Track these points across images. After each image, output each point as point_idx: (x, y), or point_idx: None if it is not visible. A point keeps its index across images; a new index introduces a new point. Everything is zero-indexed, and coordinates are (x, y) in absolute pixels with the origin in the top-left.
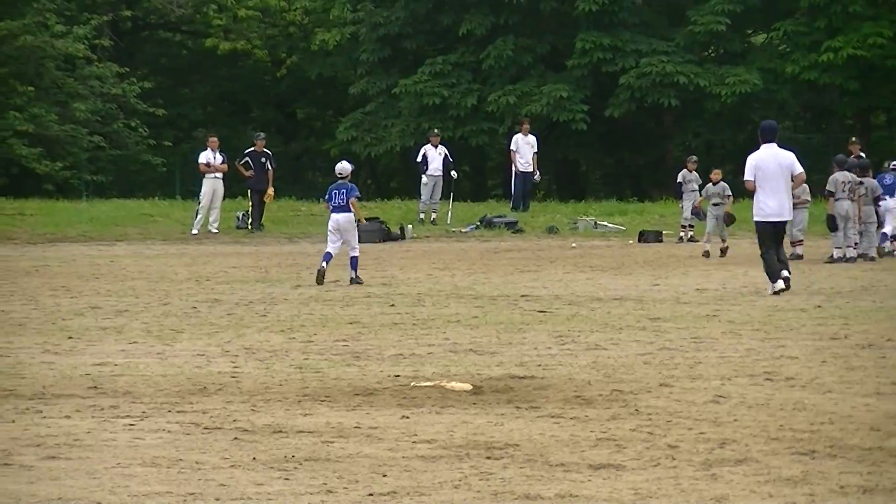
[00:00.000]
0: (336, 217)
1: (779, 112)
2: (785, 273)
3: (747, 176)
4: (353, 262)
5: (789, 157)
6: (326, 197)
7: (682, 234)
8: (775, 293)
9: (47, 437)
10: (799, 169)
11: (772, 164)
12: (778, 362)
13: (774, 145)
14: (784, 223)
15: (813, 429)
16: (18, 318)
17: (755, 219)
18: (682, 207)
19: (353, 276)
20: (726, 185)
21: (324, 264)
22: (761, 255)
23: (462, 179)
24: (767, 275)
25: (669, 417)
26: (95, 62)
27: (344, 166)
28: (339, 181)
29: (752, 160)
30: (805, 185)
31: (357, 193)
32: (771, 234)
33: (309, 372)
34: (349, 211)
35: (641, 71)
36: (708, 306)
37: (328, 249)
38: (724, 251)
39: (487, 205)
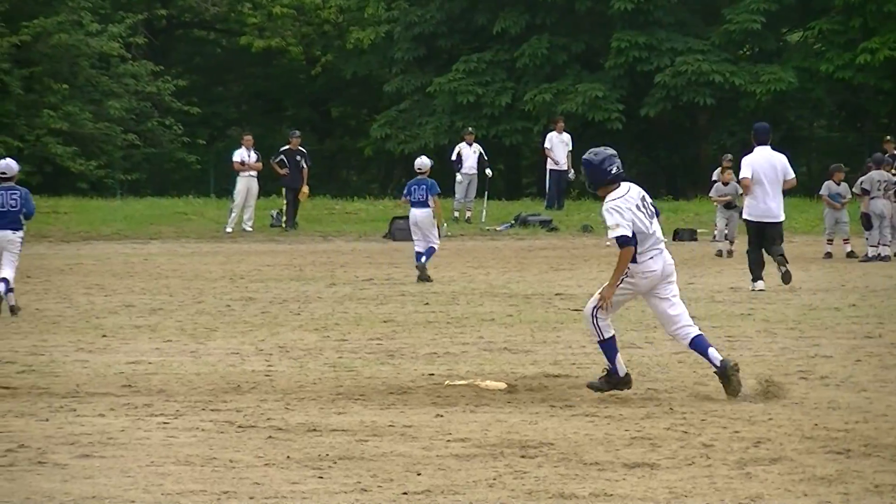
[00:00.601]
0: (414, 212)
1: (813, 111)
2: (779, 270)
3: (744, 174)
4: (429, 251)
5: (783, 160)
6: (405, 192)
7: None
8: (757, 290)
9: (81, 436)
10: (791, 174)
11: (766, 166)
12: (812, 361)
13: (768, 148)
14: (780, 224)
15: (847, 427)
16: (52, 316)
17: (746, 218)
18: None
19: (422, 268)
20: (738, 186)
21: (421, 261)
22: (747, 252)
23: (496, 178)
24: (751, 272)
25: (704, 416)
26: (130, 60)
27: (423, 161)
28: (418, 176)
29: (748, 161)
30: (846, 184)
31: (437, 190)
32: (761, 234)
33: (343, 370)
34: (427, 206)
35: (677, 70)
36: (742, 305)
37: (416, 249)
38: (730, 253)
39: (522, 203)
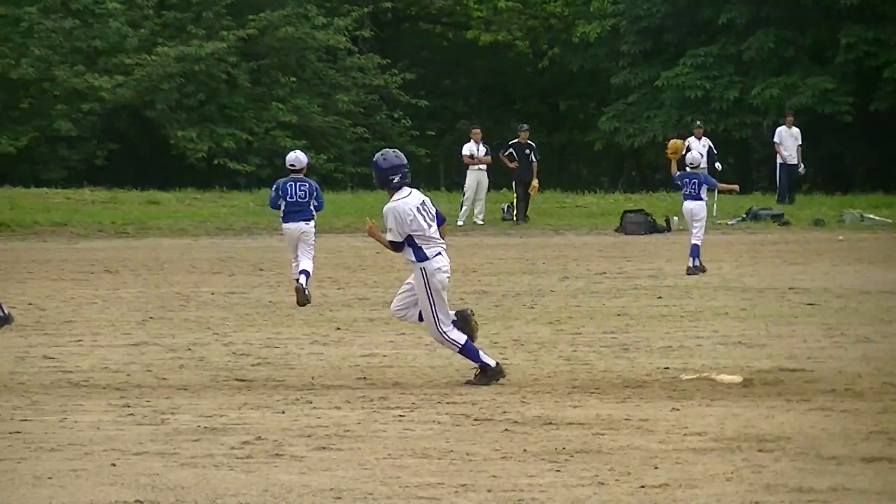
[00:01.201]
0: (686, 204)
1: None
2: None
3: None
4: (694, 249)
5: None
6: (675, 179)
7: None
8: None
9: (318, 428)
10: None
11: None
12: None
13: None
14: None
15: None
16: (286, 308)
17: None
18: None
19: (693, 265)
20: None
21: (693, 259)
22: None
23: (727, 172)
24: None
25: None
26: (356, 53)
27: (694, 157)
28: (690, 170)
29: None
30: None
31: (713, 182)
32: None
33: (577, 364)
34: (701, 199)
35: None
36: None
37: (692, 241)
38: None
39: (753, 197)
